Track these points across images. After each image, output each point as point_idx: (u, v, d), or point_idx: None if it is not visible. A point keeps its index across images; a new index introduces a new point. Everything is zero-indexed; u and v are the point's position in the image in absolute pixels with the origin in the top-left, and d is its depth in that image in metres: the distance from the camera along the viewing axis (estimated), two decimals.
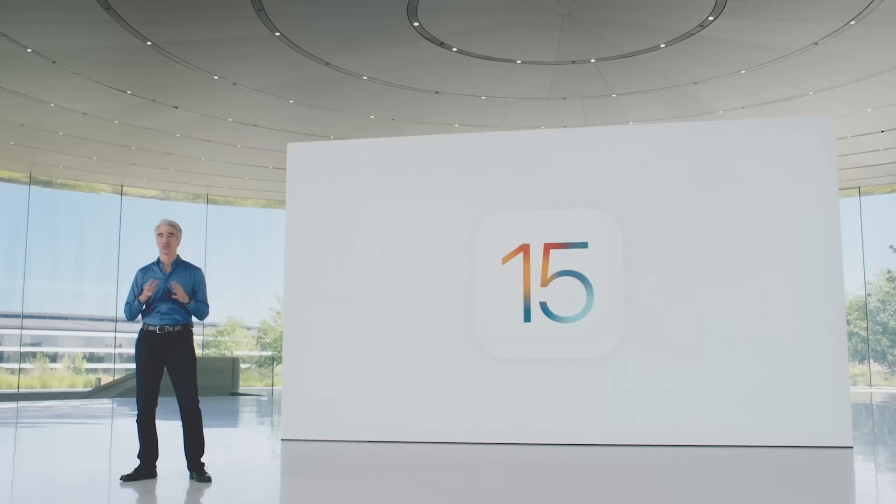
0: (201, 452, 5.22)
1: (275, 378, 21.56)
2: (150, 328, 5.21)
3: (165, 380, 5.26)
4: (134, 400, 5.36)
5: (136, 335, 5.30)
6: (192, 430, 5.19)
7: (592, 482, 5.36)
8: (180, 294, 5.17)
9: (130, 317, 5.31)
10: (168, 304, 5.21)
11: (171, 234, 5.33)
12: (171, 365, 5.20)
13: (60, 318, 22.46)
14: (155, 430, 5.22)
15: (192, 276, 5.34)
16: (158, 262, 5.35)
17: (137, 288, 5.29)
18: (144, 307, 5.26)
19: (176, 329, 5.21)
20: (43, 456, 7.17)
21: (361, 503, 4.64)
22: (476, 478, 5.46)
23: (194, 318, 5.36)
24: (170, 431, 5.72)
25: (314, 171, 7.95)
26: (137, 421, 5.21)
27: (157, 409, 5.24)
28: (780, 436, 6.84)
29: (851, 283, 19.39)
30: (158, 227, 5.35)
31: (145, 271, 5.33)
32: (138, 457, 5.20)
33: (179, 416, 5.21)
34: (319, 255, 7.76)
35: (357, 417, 7.45)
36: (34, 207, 18.23)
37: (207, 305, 5.41)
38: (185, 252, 5.50)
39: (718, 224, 7.21)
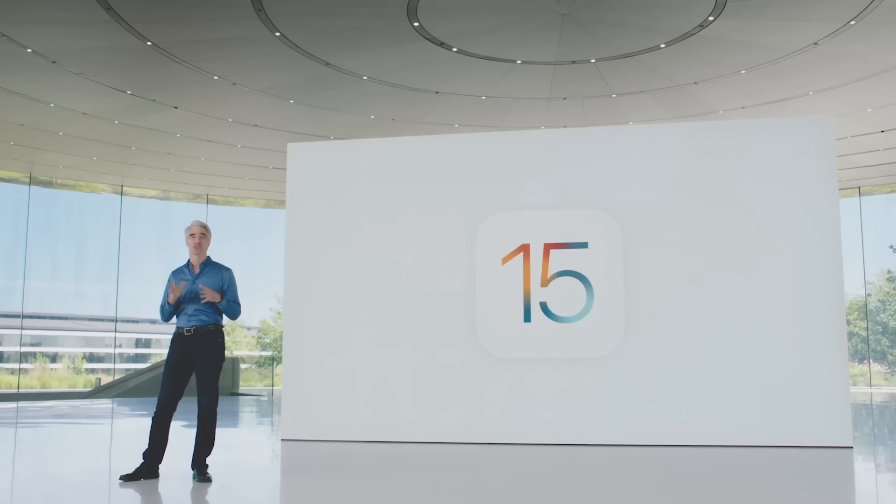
0: (208, 452, 5.24)
1: (275, 378, 21.56)
2: (179, 330, 5.29)
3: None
4: (142, 399, 5.37)
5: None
6: (205, 428, 5.21)
7: (592, 482, 5.36)
8: (209, 295, 5.21)
9: (165, 319, 5.40)
10: (195, 306, 5.26)
11: (202, 234, 5.38)
12: (198, 364, 5.24)
13: (60, 318, 22.45)
14: (167, 433, 5.23)
15: (221, 277, 5.38)
16: (188, 263, 5.40)
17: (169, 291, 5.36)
18: (175, 309, 5.33)
19: (205, 329, 5.25)
20: (43, 456, 7.16)
21: (361, 503, 4.64)
22: (476, 478, 5.46)
23: (226, 319, 5.40)
24: (171, 433, 5.71)
25: (314, 171, 7.95)
26: (152, 420, 5.23)
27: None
28: (780, 436, 6.83)
29: (851, 283, 19.42)
30: (190, 227, 5.40)
31: (176, 273, 5.38)
32: (143, 455, 5.19)
33: (196, 413, 5.24)
34: (319, 255, 7.76)
35: (357, 417, 7.45)
36: (34, 207, 18.23)
37: (239, 304, 5.46)
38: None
39: (718, 224, 7.21)
